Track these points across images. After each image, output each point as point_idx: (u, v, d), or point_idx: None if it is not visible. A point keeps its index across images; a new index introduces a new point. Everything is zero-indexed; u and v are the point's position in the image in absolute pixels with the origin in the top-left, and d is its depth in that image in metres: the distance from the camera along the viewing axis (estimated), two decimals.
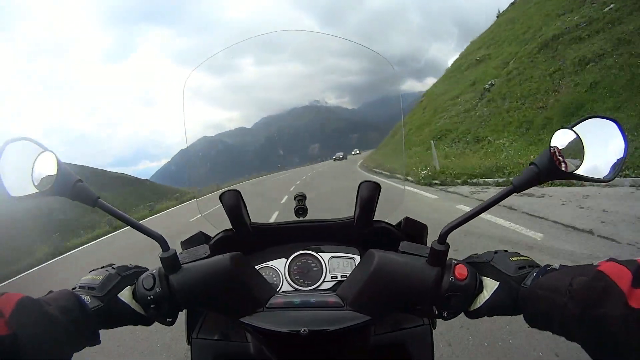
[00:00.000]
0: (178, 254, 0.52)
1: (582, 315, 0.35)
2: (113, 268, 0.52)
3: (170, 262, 0.50)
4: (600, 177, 0.42)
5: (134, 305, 0.49)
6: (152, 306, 0.49)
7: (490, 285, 0.46)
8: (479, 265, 0.49)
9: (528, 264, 0.46)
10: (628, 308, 0.31)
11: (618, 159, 0.41)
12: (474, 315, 0.48)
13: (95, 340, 0.45)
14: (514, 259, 0.48)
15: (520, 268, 0.46)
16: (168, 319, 0.51)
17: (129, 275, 0.51)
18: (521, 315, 0.44)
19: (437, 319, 0.59)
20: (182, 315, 0.60)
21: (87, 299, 0.46)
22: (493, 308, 0.46)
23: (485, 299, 0.46)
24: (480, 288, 0.47)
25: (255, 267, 0.69)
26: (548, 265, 0.44)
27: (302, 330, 0.48)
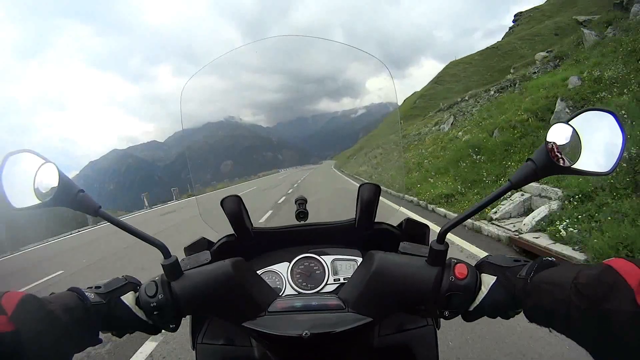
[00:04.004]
0: (180, 260, 0.53)
1: (587, 311, 0.33)
2: (123, 276, 0.53)
3: (172, 269, 0.50)
4: (599, 170, 0.41)
5: (136, 310, 0.50)
6: (155, 313, 0.49)
7: (487, 281, 0.46)
8: (478, 265, 0.49)
9: (524, 259, 0.46)
10: (636, 305, 0.30)
11: (616, 152, 0.41)
12: (473, 315, 0.48)
13: (95, 341, 0.46)
14: (509, 255, 0.48)
15: (516, 260, 0.46)
16: (171, 325, 0.51)
17: (135, 282, 0.53)
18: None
19: (440, 319, 0.60)
20: (187, 321, 0.60)
21: (90, 295, 0.47)
22: (491, 304, 0.46)
23: (484, 295, 0.46)
24: (480, 286, 0.47)
25: (258, 271, 0.69)
26: (545, 258, 0.43)
27: (304, 333, 0.47)
